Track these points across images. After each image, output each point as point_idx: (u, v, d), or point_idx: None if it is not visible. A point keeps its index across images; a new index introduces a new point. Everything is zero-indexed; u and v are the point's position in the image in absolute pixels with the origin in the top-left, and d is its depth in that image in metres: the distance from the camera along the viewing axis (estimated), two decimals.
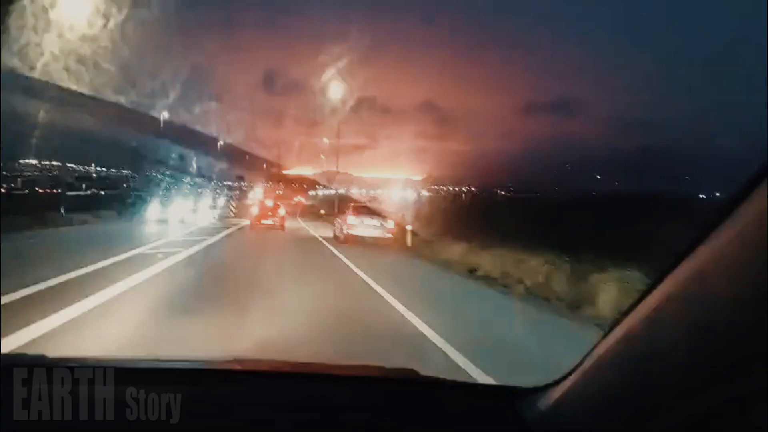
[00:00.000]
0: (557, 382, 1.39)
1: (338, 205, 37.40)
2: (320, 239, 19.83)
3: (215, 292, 8.39)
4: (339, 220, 19.54)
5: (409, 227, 17.71)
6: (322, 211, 44.00)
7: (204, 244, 15.68)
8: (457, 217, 26.69)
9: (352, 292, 9.10)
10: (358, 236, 17.69)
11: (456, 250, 14.46)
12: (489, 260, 12.92)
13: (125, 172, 56.37)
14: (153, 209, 24.92)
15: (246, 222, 27.39)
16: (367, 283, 9.88)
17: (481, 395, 1.82)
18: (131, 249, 12.93)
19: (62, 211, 24.87)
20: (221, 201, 38.64)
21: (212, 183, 52.69)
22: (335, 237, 19.74)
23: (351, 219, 17.93)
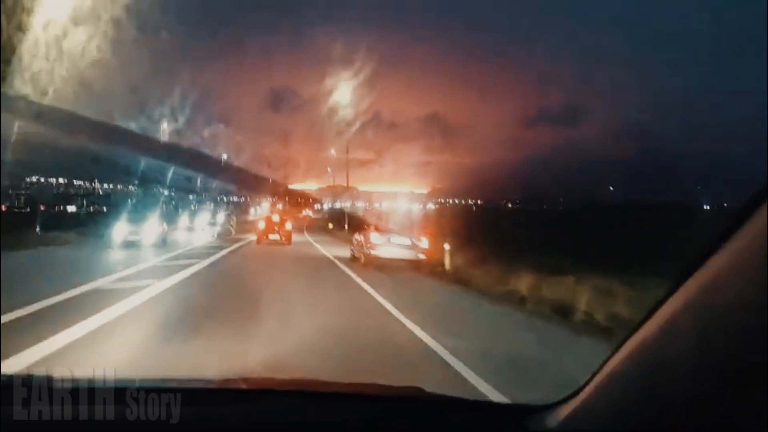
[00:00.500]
0: (566, 399, 1.35)
1: (349, 220, 34.26)
2: (335, 261, 16.08)
3: (178, 363, 4.72)
4: (358, 238, 15.74)
5: (447, 247, 13.97)
6: (331, 226, 40.97)
7: (189, 271, 11.97)
8: (485, 232, 23.09)
9: (404, 360, 5.35)
10: (383, 258, 13.96)
11: (519, 278, 10.78)
12: (567, 290, 9.27)
13: (131, 188, 53.43)
14: (122, 229, 18.71)
15: (247, 240, 24.04)
16: (423, 343, 6.10)
17: (489, 412, 1.80)
18: (86, 283, 9.30)
19: (38, 230, 21.85)
20: (221, 217, 34.95)
21: (216, 198, 49.35)
22: (353, 258, 16.00)
23: (375, 237, 14.19)
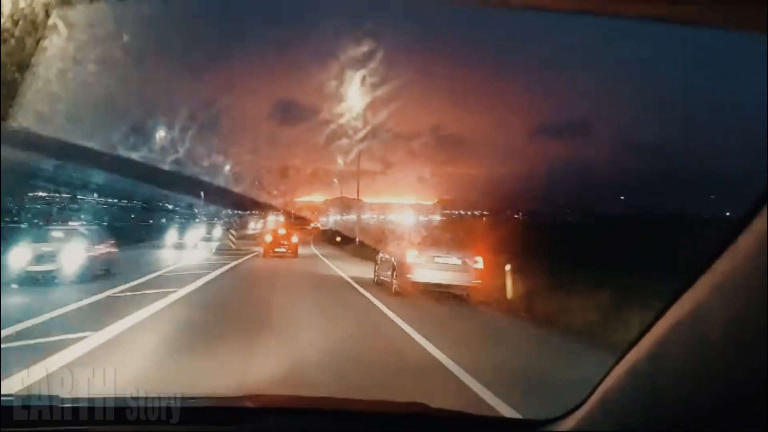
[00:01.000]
0: (570, 412, 1.31)
1: (360, 232, 30.60)
2: (354, 285, 12.07)
3: None
4: (386, 257, 11.59)
5: (507, 267, 9.94)
6: (338, 239, 37.14)
7: (146, 311, 7.98)
8: (516, 246, 18.97)
9: None
10: (425, 284, 9.91)
11: (635, 315, 6.78)
12: None
13: (137, 202, 49.82)
14: (23, 256, 10.65)
15: (248, 256, 20.08)
16: None
17: (495, 427, 1.75)
18: None
19: None
20: (218, 232, 30.75)
21: (216, 212, 45.44)
22: (379, 282, 11.97)
23: (413, 255, 10.12)
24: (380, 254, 12.22)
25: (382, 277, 11.68)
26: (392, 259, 10.84)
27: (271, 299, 9.59)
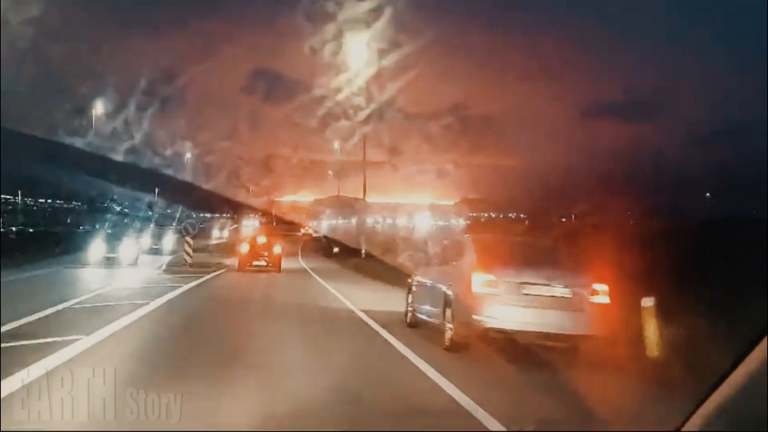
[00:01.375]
0: (681, 425, 1.39)
1: (366, 242, 28.32)
2: (373, 326, 9.14)
3: None
4: (428, 283, 8.29)
5: (647, 303, 6.89)
6: (336, 250, 34.50)
7: None
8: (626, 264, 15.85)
9: None
10: (510, 332, 6.81)
11: None
12: None
13: (75, 203, 47.65)
14: None
15: (206, 277, 17.24)
16: None
17: None
18: None
19: None
20: (169, 241, 27.78)
21: (180, 215, 42.75)
22: (413, 324, 8.87)
23: (483, 281, 6.91)
24: (417, 277, 9.14)
25: (422, 315, 8.60)
26: (443, 286, 7.76)
27: (232, 372, 6.53)
